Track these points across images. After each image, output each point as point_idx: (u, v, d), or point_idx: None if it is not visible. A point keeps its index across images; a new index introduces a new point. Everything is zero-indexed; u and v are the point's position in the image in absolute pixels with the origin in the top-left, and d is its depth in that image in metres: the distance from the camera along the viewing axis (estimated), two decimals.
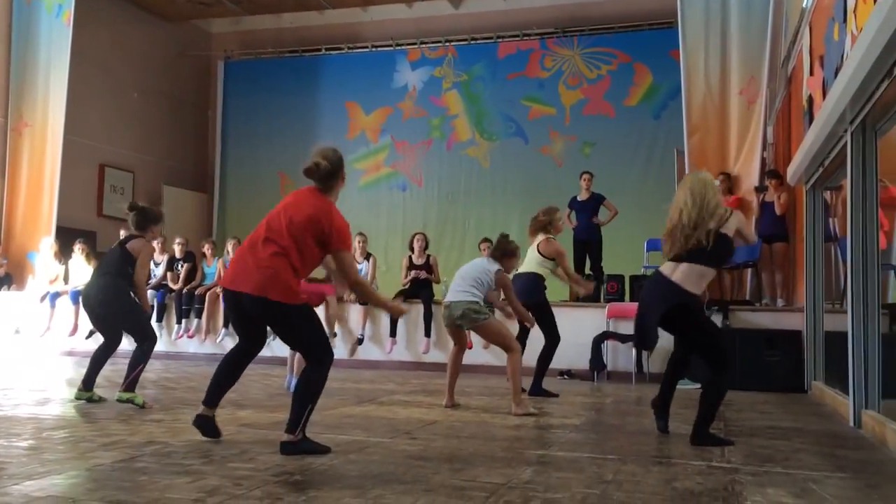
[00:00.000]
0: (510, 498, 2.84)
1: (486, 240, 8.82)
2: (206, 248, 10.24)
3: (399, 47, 13.65)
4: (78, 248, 10.24)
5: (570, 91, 12.72)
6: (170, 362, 9.35)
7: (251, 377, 7.45)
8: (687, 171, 9.13)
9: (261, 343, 3.94)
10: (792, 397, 6.85)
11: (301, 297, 3.68)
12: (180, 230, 10.92)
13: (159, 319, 9.95)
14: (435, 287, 9.18)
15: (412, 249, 9.35)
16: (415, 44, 13.56)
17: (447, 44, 13.41)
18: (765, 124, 9.02)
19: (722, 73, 9.20)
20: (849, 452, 4.11)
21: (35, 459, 3.39)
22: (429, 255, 9.34)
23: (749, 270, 8.77)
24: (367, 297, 3.89)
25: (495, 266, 5.58)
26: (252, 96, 14.15)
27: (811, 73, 6.48)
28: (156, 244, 10.18)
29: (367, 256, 9.59)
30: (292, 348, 4.13)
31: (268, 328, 3.95)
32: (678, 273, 4.19)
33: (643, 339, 4.45)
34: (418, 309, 9.03)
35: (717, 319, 7.87)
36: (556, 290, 7.39)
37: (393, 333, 9.06)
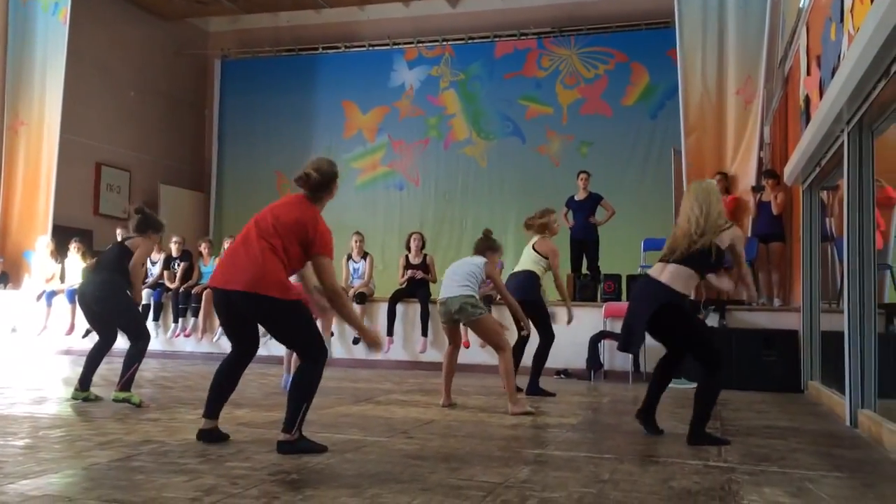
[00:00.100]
0: (507, 497, 2.84)
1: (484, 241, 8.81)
2: (203, 247, 10.23)
3: (396, 46, 13.64)
4: (74, 247, 10.23)
5: (567, 90, 12.72)
6: (166, 361, 9.34)
7: (248, 376, 7.40)
8: (684, 171, 9.17)
9: (253, 347, 3.90)
10: (788, 397, 6.86)
11: (293, 293, 3.68)
12: (177, 229, 10.90)
13: (156, 318, 9.94)
14: (432, 286, 9.18)
15: (409, 249, 9.35)
16: (412, 43, 13.55)
17: (444, 43, 13.40)
18: (762, 124, 9.03)
19: (719, 73, 9.21)
20: (845, 452, 4.12)
21: (31, 458, 3.38)
22: (425, 255, 9.34)
23: None
24: (341, 311, 3.80)
25: (482, 259, 5.66)
26: (249, 95, 14.13)
27: (808, 73, 6.49)
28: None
29: (364, 255, 9.59)
30: (286, 346, 4.11)
31: (260, 330, 3.91)
32: (666, 274, 4.25)
33: (628, 340, 4.45)
34: (415, 308, 9.03)
35: (713, 319, 7.88)
36: (552, 288, 7.38)
37: (390, 333, 9.06)
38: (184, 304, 9.91)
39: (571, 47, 12.75)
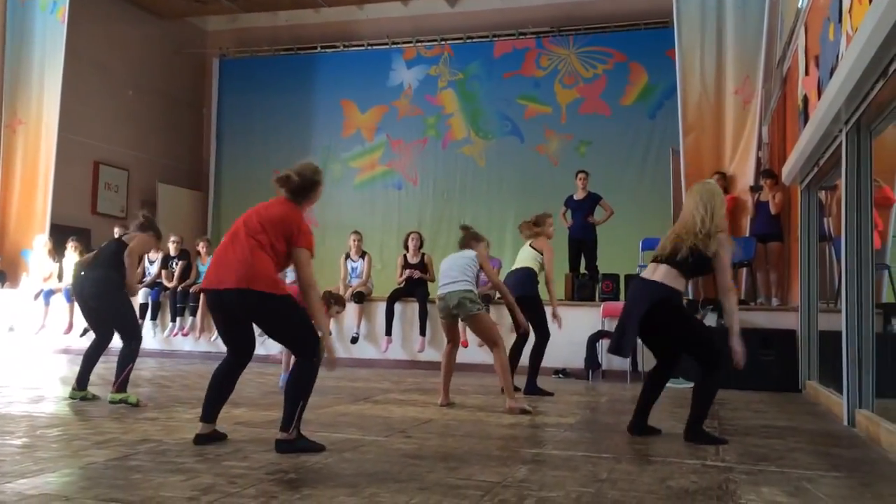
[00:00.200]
0: (505, 496, 2.84)
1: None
2: (201, 246, 10.21)
3: (395, 45, 13.63)
4: (71, 246, 10.22)
5: (565, 90, 12.72)
6: (164, 360, 9.33)
7: (245, 375, 7.39)
8: (682, 171, 9.17)
9: (249, 350, 3.89)
10: (786, 396, 6.87)
11: (283, 288, 3.68)
12: (175, 228, 10.90)
13: (154, 317, 9.94)
14: (430, 286, 9.18)
15: (407, 248, 9.35)
16: (410, 42, 13.54)
17: (443, 42, 13.40)
18: (760, 124, 9.04)
19: (717, 73, 9.21)
20: (843, 451, 4.13)
21: (29, 457, 3.38)
22: (423, 254, 9.34)
23: (744, 270, 8.78)
24: (311, 305, 3.75)
25: (472, 252, 5.70)
26: (247, 94, 14.12)
27: (806, 73, 6.49)
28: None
29: (363, 255, 9.59)
30: (281, 343, 4.10)
31: (256, 331, 3.90)
32: (658, 273, 4.29)
33: (619, 342, 4.43)
34: (413, 308, 9.03)
35: (711, 319, 7.88)
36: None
37: (388, 332, 9.06)
38: (181, 304, 9.90)
39: (570, 47, 12.75)
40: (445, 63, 13.41)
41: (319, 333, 3.70)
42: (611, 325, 8.25)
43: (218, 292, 3.65)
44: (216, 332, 9.50)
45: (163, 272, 10.17)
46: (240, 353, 3.87)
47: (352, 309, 9.25)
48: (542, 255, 6.69)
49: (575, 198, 9.85)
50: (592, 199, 9.76)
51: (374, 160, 13.64)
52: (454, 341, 5.81)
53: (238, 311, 3.69)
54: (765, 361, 7.43)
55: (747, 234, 8.75)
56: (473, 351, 8.16)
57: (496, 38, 13.12)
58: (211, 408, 3.85)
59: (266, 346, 8.65)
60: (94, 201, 12.70)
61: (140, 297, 9.80)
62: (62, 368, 7.82)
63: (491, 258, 9.15)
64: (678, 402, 5.53)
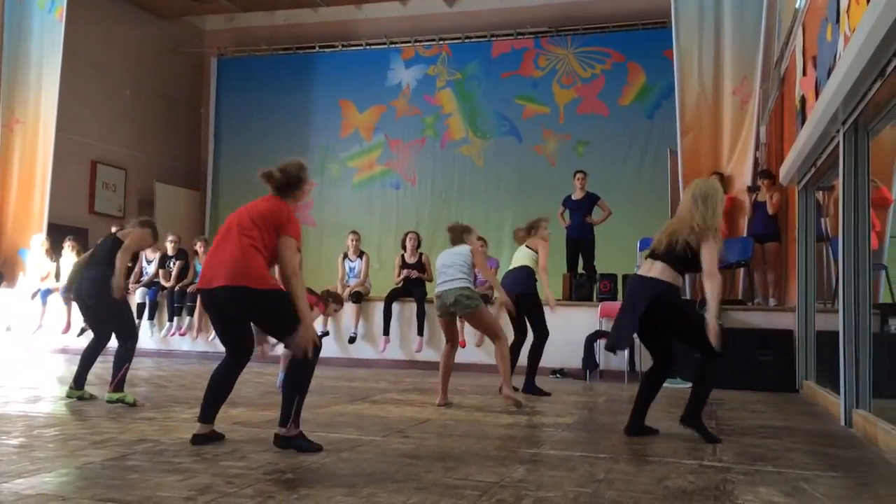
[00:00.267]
0: (502, 496, 2.84)
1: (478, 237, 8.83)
2: (199, 246, 10.20)
3: (393, 45, 13.63)
4: (69, 246, 10.20)
5: (563, 90, 12.72)
6: (161, 360, 9.32)
7: (243, 375, 7.38)
8: (680, 171, 9.17)
9: (247, 350, 3.89)
10: (783, 396, 6.87)
11: (273, 283, 3.68)
12: (172, 228, 10.89)
13: (151, 317, 9.93)
14: (427, 285, 9.18)
15: (405, 248, 9.35)
16: (409, 42, 13.54)
17: (441, 42, 13.39)
18: (758, 124, 9.04)
19: (715, 73, 9.22)
20: (840, 451, 4.13)
21: (25, 457, 3.37)
22: (421, 254, 9.34)
23: (741, 270, 8.79)
24: (294, 292, 3.72)
25: (466, 247, 5.71)
26: (245, 94, 14.10)
27: (804, 74, 6.50)
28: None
29: (361, 255, 9.58)
30: (276, 339, 4.07)
31: (250, 332, 3.89)
32: (655, 270, 4.32)
33: (616, 337, 4.47)
34: (411, 307, 9.03)
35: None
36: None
37: (386, 332, 9.05)
38: (179, 303, 9.89)
39: (568, 47, 12.75)
40: (444, 63, 13.41)
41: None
42: (608, 325, 8.23)
43: (210, 291, 3.66)
44: (213, 332, 9.54)
45: (160, 272, 10.15)
46: (238, 354, 3.87)
47: (349, 309, 9.25)
48: (537, 252, 6.70)
49: (573, 198, 9.85)
50: (591, 200, 9.76)
51: (373, 160, 13.64)
52: (453, 341, 5.82)
53: (231, 309, 3.69)
54: (762, 361, 7.44)
55: (745, 235, 8.76)
56: (471, 351, 8.17)
57: (494, 38, 13.12)
58: (209, 408, 3.85)
59: None
60: (91, 201, 12.68)
61: (137, 297, 9.79)
62: (59, 368, 7.81)
63: (489, 258, 9.18)
64: (675, 402, 5.53)
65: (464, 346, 8.27)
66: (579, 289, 9.05)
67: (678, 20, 9.35)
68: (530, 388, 6.54)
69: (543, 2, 12.88)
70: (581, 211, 9.72)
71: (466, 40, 13.28)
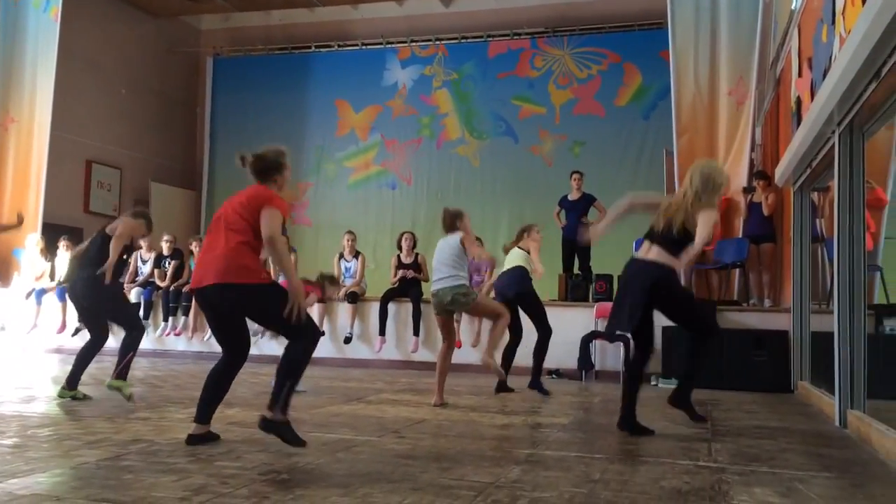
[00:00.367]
0: (498, 497, 2.84)
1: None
2: (194, 246, 10.17)
3: (389, 45, 13.62)
4: (63, 245, 10.18)
5: (560, 91, 12.73)
6: (157, 360, 9.30)
7: (240, 375, 7.39)
8: (676, 172, 9.19)
9: (243, 349, 3.88)
10: (778, 397, 6.89)
11: (262, 276, 3.67)
12: (168, 227, 10.86)
13: (146, 317, 9.90)
14: (424, 286, 9.17)
15: (400, 248, 9.34)
16: (405, 42, 13.53)
17: (437, 42, 13.39)
18: (753, 125, 9.06)
19: (711, 74, 9.24)
20: (834, 452, 4.14)
21: (19, 457, 3.36)
22: (417, 254, 9.33)
23: (737, 271, 8.81)
24: (279, 261, 3.73)
25: (457, 235, 5.66)
26: (241, 93, 14.08)
27: (799, 75, 6.51)
28: (142, 242, 10.13)
29: (356, 255, 9.58)
30: (273, 330, 4.06)
31: (247, 330, 3.89)
32: (653, 253, 4.41)
33: (620, 318, 4.50)
34: (407, 308, 9.03)
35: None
36: (542, 288, 7.40)
37: (382, 332, 9.05)
38: (174, 303, 9.87)
39: (564, 47, 12.76)
40: (440, 63, 13.40)
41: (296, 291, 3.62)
42: (604, 326, 8.25)
43: (201, 290, 3.66)
44: (209, 332, 9.53)
45: (155, 271, 10.13)
46: (234, 353, 3.86)
47: (345, 309, 9.25)
48: (529, 252, 6.72)
49: (569, 198, 9.86)
50: (587, 200, 9.76)
51: (369, 160, 13.63)
52: (450, 340, 5.82)
53: (223, 307, 3.68)
54: (757, 362, 7.45)
55: (740, 236, 8.78)
56: (467, 351, 8.17)
57: (491, 39, 13.13)
58: (205, 409, 3.83)
59: (259, 346, 8.65)
60: (86, 200, 12.65)
61: (133, 297, 9.76)
62: (54, 368, 7.78)
63: (492, 258, 9.18)
64: None
65: (459, 347, 8.28)
66: (575, 289, 9.06)
67: (674, 21, 9.37)
68: (536, 385, 6.58)
69: (540, 2, 12.89)
70: (577, 211, 9.73)
71: (463, 40, 13.28)
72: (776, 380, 7.35)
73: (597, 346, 8.24)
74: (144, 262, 10.22)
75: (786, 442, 4.38)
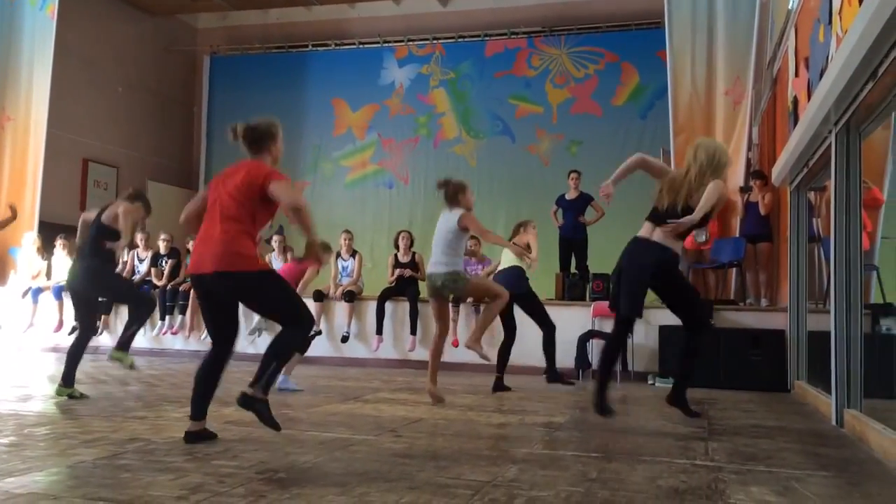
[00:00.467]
0: (495, 496, 2.84)
1: (472, 236, 8.83)
2: (191, 245, 10.15)
3: (386, 44, 13.62)
4: (60, 244, 10.16)
5: (557, 90, 12.73)
6: (153, 359, 9.29)
7: (237, 375, 7.39)
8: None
9: (232, 336, 3.86)
10: (775, 396, 6.90)
11: (260, 264, 3.68)
12: (165, 226, 10.81)
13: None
14: (421, 285, 9.17)
15: (398, 247, 9.34)
16: (402, 41, 13.53)
17: (435, 41, 13.39)
18: (750, 125, 9.07)
19: (708, 74, 9.25)
20: (831, 451, 4.15)
21: (16, 456, 3.36)
22: (414, 253, 9.33)
23: (733, 270, 8.82)
24: (303, 222, 3.76)
25: (457, 214, 5.55)
26: (238, 92, 14.05)
27: (796, 75, 6.52)
28: (140, 240, 10.12)
29: (353, 253, 9.57)
30: (267, 317, 4.06)
31: (237, 319, 3.89)
32: (657, 234, 4.37)
33: (627, 303, 4.50)
34: (404, 307, 9.02)
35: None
36: (539, 287, 7.41)
37: (379, 331, 9.05)
38: (171, 302, 9.86)
39: (562, 47, 12.77)
40: (437, 62, 13.40)
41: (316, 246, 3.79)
42: (601, 325, 8.27)
43: (199, 276, 3.66)
44: (206, 332, 9.51)
45: (152, 270, 10.12)
46: (222, 342, 3.83)
47: (342, 308, 9.24)
48: (527, 251, 6.72)
49: (567, 197, 9.86)
50: (584, 200, 9.77)
51: (366, 159, 13.62)
52: (444, 324, 5.74)
53: (220, 294, 3.67)
54: (754, 361, 7.46)
55: (737, 235, 8.79)
56: (463, 350, 8.14)
57: (488, 38, 13.12)
58: (199, 403, 3.82)
59: (256, 345, 8.65)
60: (83, 199, 12.60)
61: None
62: (50, 367, 7.77)
63: (483, 259, 9.19)
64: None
65: (456, 346, 8.28)
66: (572, 288, 9.06)
67: (671, 21, 9.38)
68: (554, 377, 6.62)
69: (537, 2, 12.89)
70: (574, 211, 9.74)
71: (460, 40, 13.28)
72: (773, 379, 7.36)
73: (593, 345, 8.24)
74: (141, 260, 10.20)
75: (782, 441, 4.38)
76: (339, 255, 9.59)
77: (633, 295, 4.44)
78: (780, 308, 7.95)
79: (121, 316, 9.54)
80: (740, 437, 4.45)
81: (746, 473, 3.40)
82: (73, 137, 12.29)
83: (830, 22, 4.73)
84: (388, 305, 9.11)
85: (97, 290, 5.36)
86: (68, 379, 5.38)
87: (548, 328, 6.72)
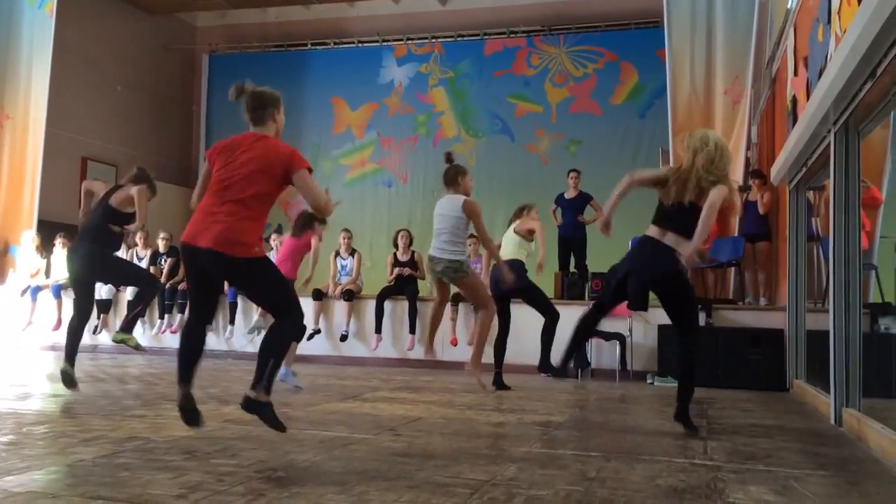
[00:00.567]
0: (494, 495, 2.84)
1: (471, 235, 8.83)
2: None
3: (385, 43, 13.61)
4: (59, 242, 10.15)
5: (556, 89, 12.73)
6: (153, 358, 9.28)
7: (235, 373, 7.41)
8: None
9: (212, 310, 3.85)
10: (774, 395, 6.90)
11: (258, 250, 3.60)
12: (164, 225, 10.84)
13: (142, 315, 9.87)
14: (420, 283, 9.18)
15: (397, 246, 9.35)
16: (401, 40, 13.52)
17: (434, 40, 13.39)
18: (749, 124, 9.08)
19: (707, 73, 9.25)
20: (829, 450, 4.15)
21: (15, 455, 3.36)
22: (413, 252, 9.33)
23: (732, 269, 8.82)
24: (321, 213, 3.79)
25: (459, 200, 5.56)
26: None
27: (795, 74, 6.52)
28: (139, 238, 10.11)
29: (352, 252, 9.57)
30: (259, 305, 4.03)
31: (219, 293, 3.88)
32: (669, 237, 4.35)
33: (634, 301, 4.51)
34: (403, 306, 9.02)
35: (700, 318, 7.91)
36: (539, 286, 7.39)
37: (378, 330, 9.05)
38: (170, 301, 9.85)
39: (561, 46, 12.77)
40: (436, 61, 13.40)
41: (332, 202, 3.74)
42: (599, 325, 8.24)
43: (193, 247, 3.56)
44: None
45: (151, 269, 10.11)
46: (200, 314, 3.81)
47: (341, 307, 9.24)
48: (527, 239, 6.72)
49: (566, 196, 9.87)
50: (583, 199, 9.78)
51: (365, 158, 13.62)
52: (443, 296, 5.83)
53: (211, 269, 3.60)
54: (752, 360, 7.47)
55: (736, 234, 8.79)
56: (462, 350, 8.16)
57: (487, 37, 13.12)
58: (185, 369, 3.71)
59: (255, 343, 8.63)
60: (81, 197, 12.60)
61: (128, 294, 9.74)
62: (49, 365, 7.77)
63: (479, 258, 9.18)
64: (667, 401, 5.54)
65: (455, 345, 8.29)
66: (571, 287, 9.06)
67: (670, 20, 9.38)
68: (545, 367, 6.60)
69: (536, 1, 12.88)
70: (574, 210, 9.75)
71: (459, 38, 13.27)
72: (772, 378, 7.37)
73: (592, 344, 8.25)
74: (140, 259, 10.19)
75: (781, 440, 4.39)
76: (338, 253, 9.59)
77: (638, 295, 4.46)
78: (778, 307, 7.96)
79: (120, 316, 9.53)
80: (739, 437, 4.46)
81: (745, 472, 3.40)
82: (71, 136, 12.28)
83: (829, 21, 4.74)
84: (387, 304, 9.11)
85: (95, 274, 5.33)
86: (71, 358, 5.39)
87: (551, 316, 6.71)
